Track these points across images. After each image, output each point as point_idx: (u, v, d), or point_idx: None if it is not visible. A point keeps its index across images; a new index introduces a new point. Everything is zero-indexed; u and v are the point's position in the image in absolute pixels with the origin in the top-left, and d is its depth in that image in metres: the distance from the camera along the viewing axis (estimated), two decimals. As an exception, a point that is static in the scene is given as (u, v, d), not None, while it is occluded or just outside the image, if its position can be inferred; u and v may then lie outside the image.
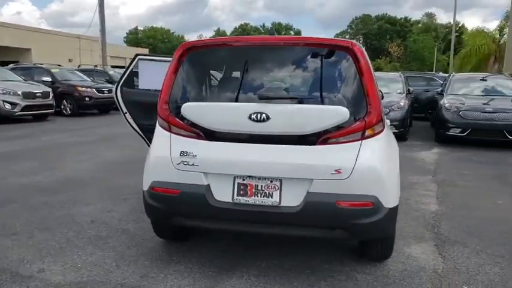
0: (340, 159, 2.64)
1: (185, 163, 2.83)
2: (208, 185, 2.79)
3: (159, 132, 3.03)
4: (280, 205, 2.70)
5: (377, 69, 45.91)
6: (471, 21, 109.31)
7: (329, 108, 2.71)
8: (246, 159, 2.76)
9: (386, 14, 74.91)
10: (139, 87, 4.43)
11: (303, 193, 2.67)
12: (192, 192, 2.80)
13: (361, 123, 2.67)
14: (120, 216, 4.24)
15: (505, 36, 17.86)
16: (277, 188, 2.71)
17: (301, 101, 2.76)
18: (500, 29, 19.78)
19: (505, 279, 3.00)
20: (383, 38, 70.09)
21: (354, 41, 2.85)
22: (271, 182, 2.72)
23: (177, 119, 2.93)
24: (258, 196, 2.73)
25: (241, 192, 2.76)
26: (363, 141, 2.67)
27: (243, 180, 2.76)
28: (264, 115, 2.67)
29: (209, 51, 2.99)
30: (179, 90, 3.00)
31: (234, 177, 2.78)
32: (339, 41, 2.82)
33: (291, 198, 2.69)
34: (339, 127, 2.66)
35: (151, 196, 2.93)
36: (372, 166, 2.63)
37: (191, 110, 2.88)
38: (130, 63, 4.37)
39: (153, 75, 4.15)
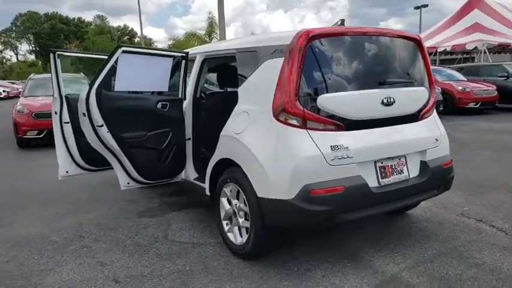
0: (434, 130, 3.27)
1: (339, 157, 2.72)
2: (360, 174, 2.80)
3: (288, 132, 2.70)
4: (409, 178, 3.07)
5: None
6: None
7: (423, 89, 3.25)
8: (382, 142, 2.94)
9: (57, 12, 70.79)
10: (116, 89, 3.33)
11: (418, 163, 3.14)
12: (355, 185, 2.74)
13: (433, 100, 3.36)
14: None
15: (214, 40, 21.23)
16: (404, 163, 3.06)
17: (406, 84, 3.16)
18: (209, 33, 23.20)
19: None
20: (58, 38, 65.97)
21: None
22: (400, 159, 3.04)
23: (315, 114, 2.72)
24: (394, 175, 2.99)
25: (383, 174, 2.93)
26: (433, 114, 3.39)
27: (382, 163, 2.94)
28: (392, 99, 2.95)
29: (331, 40, 2.87)
30: (306, 82, 2.75)
31: (375, 162, 2.91)
32: (412, 34, 3.35)
33: (413, 170, 3.11)
34: (425, 105, 3.26)
35: (311, 200, 2.62)
36: (444, 132, 3.39)
37: (329, 101, 2.76)
38: (110, 58, 3.21)
39: (132, 73, 3.32)
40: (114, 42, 65.82)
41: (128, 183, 3.66)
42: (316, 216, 2.69)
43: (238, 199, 3.14)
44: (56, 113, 4.01)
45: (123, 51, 3.25)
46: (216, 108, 4.09)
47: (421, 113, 3.22)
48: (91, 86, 3.20)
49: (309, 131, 2.71)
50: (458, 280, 2.73)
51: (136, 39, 75.00)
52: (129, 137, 3.43)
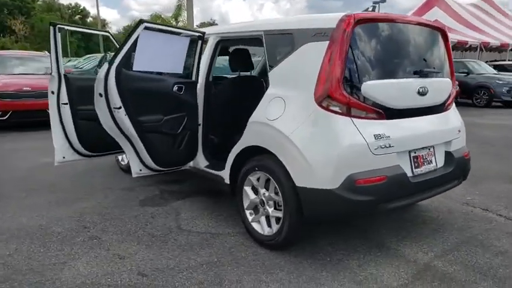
0: (456, 121, 3.32)
1: (382, 146, 2.68)
2: (399, 164, 2.79)
3: (332, 119, 2.62)
4: (437, 168, 3.10)
5: (2, 48, 40.60)
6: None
7: (448, 80, 3.28)
8: (417, 132, 2.94)
9: (1, -15, 65.74)
10: (135, 69, 3.08)
11: (443, 154, 3.18)
12: (396, 174, 2.72)
13: (455, 91, 3.41)
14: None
15: (181, 24, 20.56)
16: (432, 154, 3.08)
17: (436, 74, 3.17)
18: (176, 16, 22.39)
19: None
20: (1, 12, 61.45)
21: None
22: (429, 149, 3.06)
23: (359, 101, 2.66)
24: (425, 165, 3.00)
25: (416, 164, 2.94)
26: (453, 105, 3.44)
27: (415, 153, 2.94)
28: (426, 88, 2.95)
29: (374, 26, 2.80)
30: (350, 68, 2.67)
31: (409, 152, 2.90)
32: (439, 23, 3.35)
33: (440, 160, 3.14)
34: (449, 96, 3.30)
35: (355, 190, 2.57)
36: (463, 124, 3.45)
37: (373, 88, 2.72)
38: (131, 33, 2.95)
39: (151, 51, 3.12)
40: (65, 21, 62.45)
41: (140, 170, 3.43)
42: (359, 206, 2.64)
43: (266, 188, 3.03)
44: (53, 93, 3.67)
45: (145, 28, 2.99)
46: (231, 94, 3.93)
47: (446, 104, 3.25)
48: (111, 64, 2.92)
49: (352, 118, 2.65)
50: (490, 268, 2.79)
51: (89, 19, 71.48)
52: (146, 121, 3.20)
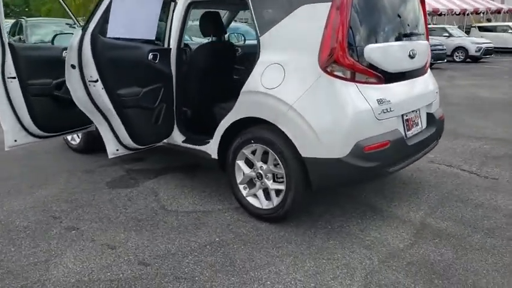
0: (434, 84, 3.43)
1: (384, 111, 2.68)
2: (397, 128, 2.82)
3: (338, 85, 2.54)
4: (422, 129, 3.19)
5: None
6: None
7: (427, 43, 3.34)
8: (409, 95, 2.98)
9: None
10: (109, 36, 2.70)
11: (425, 115, 3.29)
12: (397, 138, 2.75)
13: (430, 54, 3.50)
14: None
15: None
16: (418, 116, 3.16)
17: (420, 37, 3.20)
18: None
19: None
20: None
21: None
22: (416, 112, 3.13)
23: (362, 65, 2.61)
24: (414, 127, 3.08)
25: (407, 127, 2.99)
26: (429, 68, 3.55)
27: (406, 116, 2.99)
28: (415, 51, 2.99)
29: None
30: (353, 31, 2.58)
31: (402, 116, 2.94)
32: None
33: (423, 122, 3.24)
34: (428, 58, 3.39)
35: (363, 157, 2.55)
36: (437, 86, 3.58)
37: (374, 52, 2.68)
38: (105, -5, 2.54)
39: (125, 15, 2.81)
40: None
41: (117, 150, 3.09)
42: (367, 173, 2.63)
43: (263, 161, 2.90)
44: (-5, 65, 3.11)
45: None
46: (204, 61, 3.65)
47: (426, 66, 3.32)
48: (84, 30, 2.51)
49: (357, 84, 2.59)
50: (476, 221, 2.99)
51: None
52: (125, 95, 2.85)
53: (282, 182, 2.83)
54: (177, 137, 3.52)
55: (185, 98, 3.63)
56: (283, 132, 2.67)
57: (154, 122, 3.20)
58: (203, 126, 3.67)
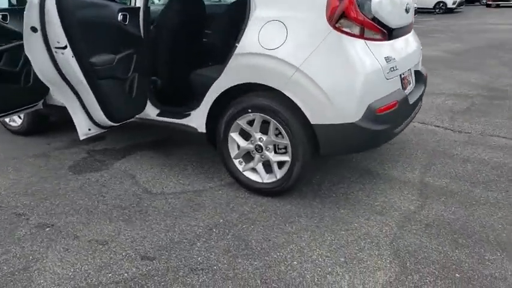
0: (418, 40, 3.35)
1: (392, 69, 2.54)
2: (400, 87, 2.70)
3: (349, 43, 2.34)
4: (413, 88, 3.12)
5: None
6: None
7: None
8: (406, 53, 2.85)
9: None
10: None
11: (413, 73, 3.22)
12: (403, 98, 2.63)
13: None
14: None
15: None
16: (410, 74, 3.07)
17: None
18: None
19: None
20: None
21: None
22: (409, 70, 3.03)
23: (370, 21, 2.42)
24: (408, 86, 2.98)
25: (404, 86, 2.89)
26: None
27: (403, 74, 2.88)
28: (409, 5, 2.87)
29: None
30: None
31: (400, 74, 2.83)
32: None
33: (413, 80, 3.17)
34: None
35: (376, 120, 2.40)
36: None
37: (380, 6, 2.48)
38: None
39: None
40: None
41: (89, 129, 2.64)
42: (379, 136, 2.50)
43: (263, 132, 2.65)
44: None
45: None
46: (173, 21, 3.22)
47: (412, 23, 3.22)
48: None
49: (366, 40, 2.39)
50: (470, 176, 3.02)
51: None
52: (99, 64, 2.38)
53: (285, 153, 2.62)
54: (150, 111, 3.11)
55: (156, 65, 3.21)
56: (288, 98, 2.42)
57: (129, 94, 2.78)
58: (178, 96, 3.30)
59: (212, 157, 3.34)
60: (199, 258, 2.15)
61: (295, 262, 2.11)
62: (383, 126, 2.44)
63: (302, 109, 2.39)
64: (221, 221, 2.49)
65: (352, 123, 2.35)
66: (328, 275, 2.01)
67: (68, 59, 2.22)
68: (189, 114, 2.96)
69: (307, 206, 2.64)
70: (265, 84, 2.47)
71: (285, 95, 2.42)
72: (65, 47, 2.17)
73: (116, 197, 2.79)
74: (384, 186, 2.88)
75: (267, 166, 2.74)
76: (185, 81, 3.23)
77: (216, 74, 2.74)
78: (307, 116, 2.39)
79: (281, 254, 2.18)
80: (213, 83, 2.73)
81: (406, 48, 2.88)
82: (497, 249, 2.18)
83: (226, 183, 2.94)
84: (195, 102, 2.95)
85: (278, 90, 2.44)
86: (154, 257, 2.16)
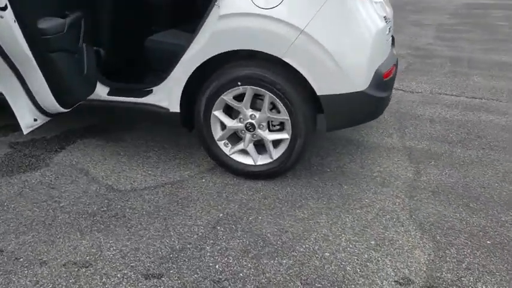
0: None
1: (388, 30, 2.38)
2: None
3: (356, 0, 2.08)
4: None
5: None
6: None
7: None
8: (388, 14, 2.68)
9: None
10: None
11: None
12: (395, 62, 2.49)
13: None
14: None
15: None
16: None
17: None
18: None
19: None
20: None
21: None
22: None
23: (371, -26, 2.18)
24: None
25: (387, 48, 2.75)
26: None
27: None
28: None
29: None
30: None
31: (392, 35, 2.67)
32: None
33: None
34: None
35: (382, 86, 2.22)
36: None
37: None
38: None
39: None
40: None
41: (35, 119, 2.01)
42: (383, 105, 2.33)
43: (254, 108, 2.29)
44: None
45: None
46: None
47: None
48: None
49: (361, -6, 2.14)
50: (444, 136, 3.05)
51: None
52: (48, 31, 1.76)
53: (280, 129, 2.32)
54: (99, 90, 2.53)
55: (96, 31, 2.59)
56: (288, 67, 2.09)
57: (80, 70, 2.18)
58: (130, 69, 2.76)
59: (176, 139, 2.89)
60: (217, 266, 1.79)
61: (327, 253, 1.87)
62: (386, 93, 2.27)
63: (307, 79, 2.09)
64: (221, 215, 2.13)
65: (361, 91, 2.12)
66: (368, 263, 1.82)
67: (8, 23, 1.58)
68: (150, 91, 2.47)
69: (308, 185, 2.39)
70: (261, 51, 2.10)
71: (284, 63, 2.09)
72: (5, 8, 1.54)
73: (76, 201, 2.23)
74: (373, 155, 2.76)
75: (257, 146, 2.41)
76: (137, 50, 2.69)
77: (185, 40, 2.29)
78: (313, 87, 2.10)
79: (307, 246, 1.92)
80: (183, 52, 2.27)
81: (386, 7, 2.71)
82: (507, 209, 2.20)
83: (206, 169, 2.55)
84: (158, 76, 2.46)
85: (274, 58, 2.09)
86: (161, 274, 1.75)
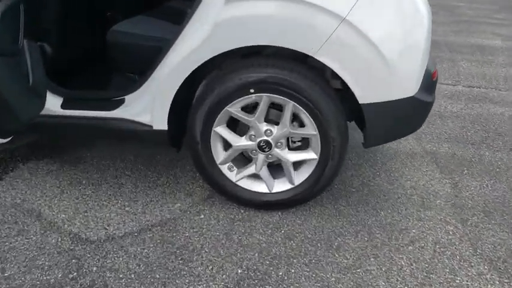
0: None
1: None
2: None
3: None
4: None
5: None
6: None
7: None
8: None
9: None
10: None
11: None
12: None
13: None
14: None
15: None
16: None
17: None
18: None
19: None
20: None
21: None
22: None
23: None
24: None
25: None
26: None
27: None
28: None
29: None
30: None
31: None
32: None
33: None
34: None
35: (430, 89, 1.78)
36: None
37: None
38: None
39: None
40: None
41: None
42: (428, 112, 1.85)
43: (268, 121, 1.74)
44: None
45: None
46: None
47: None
48: None
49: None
50: (463, 135, 2.69)
51: None
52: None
53: (301, 147, 1.80)
54: (50, 101, 1.84)
55: (42, 19, 1.90)
56: (320, 67, 1.56)
57: (23, 81, 1.49)
58: (92, 71, 2.10)
59: (151, 153, 2.27)
60: None
61: (382, 283, 1.40)
62: (432, 98, 1.81)
63: (348, 83, 1.57)
64: (239, 271, 1.58)
65: (411, 96, 1.64)
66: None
67: None
68: (122, 101, 1.83)
69: (337, 215, 1.90)
70: (285, 46, 1.54)
71: (318, 61, 1.55)
72: None
73: (29, 266, 1.57)
74: (396, 165, 2.32)
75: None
76: (96, 44, 2.02)
77: (164, 31, 1.70)
78: (355, 93, 1.59)
79: (354, 282, 1.44)
80: (167, 49, 1.66)
81: None
82: None
83: (201, 199, 1.98)
84: (130, 80, 1.84)
85: (301, 56, 1.55)
86: None
